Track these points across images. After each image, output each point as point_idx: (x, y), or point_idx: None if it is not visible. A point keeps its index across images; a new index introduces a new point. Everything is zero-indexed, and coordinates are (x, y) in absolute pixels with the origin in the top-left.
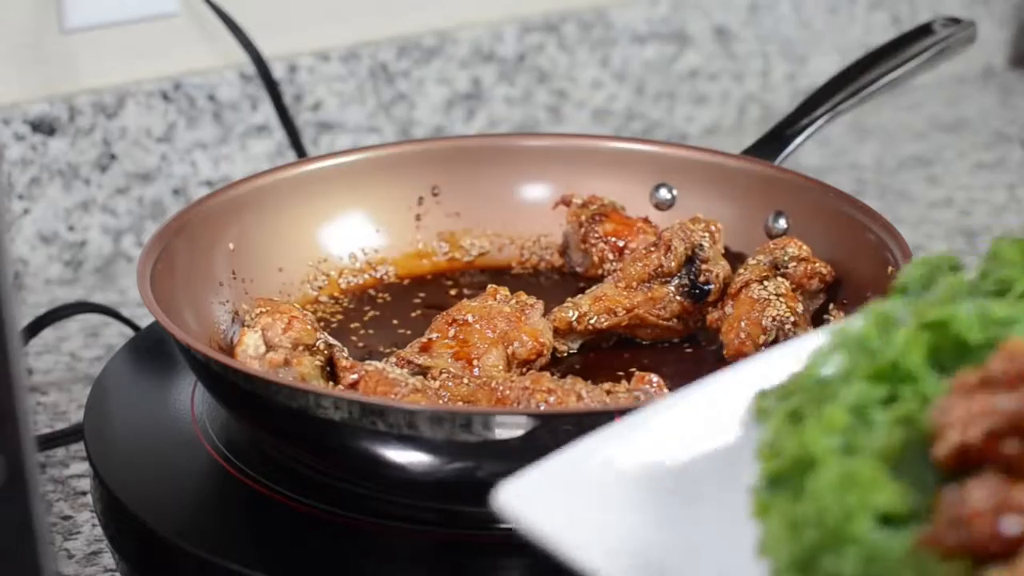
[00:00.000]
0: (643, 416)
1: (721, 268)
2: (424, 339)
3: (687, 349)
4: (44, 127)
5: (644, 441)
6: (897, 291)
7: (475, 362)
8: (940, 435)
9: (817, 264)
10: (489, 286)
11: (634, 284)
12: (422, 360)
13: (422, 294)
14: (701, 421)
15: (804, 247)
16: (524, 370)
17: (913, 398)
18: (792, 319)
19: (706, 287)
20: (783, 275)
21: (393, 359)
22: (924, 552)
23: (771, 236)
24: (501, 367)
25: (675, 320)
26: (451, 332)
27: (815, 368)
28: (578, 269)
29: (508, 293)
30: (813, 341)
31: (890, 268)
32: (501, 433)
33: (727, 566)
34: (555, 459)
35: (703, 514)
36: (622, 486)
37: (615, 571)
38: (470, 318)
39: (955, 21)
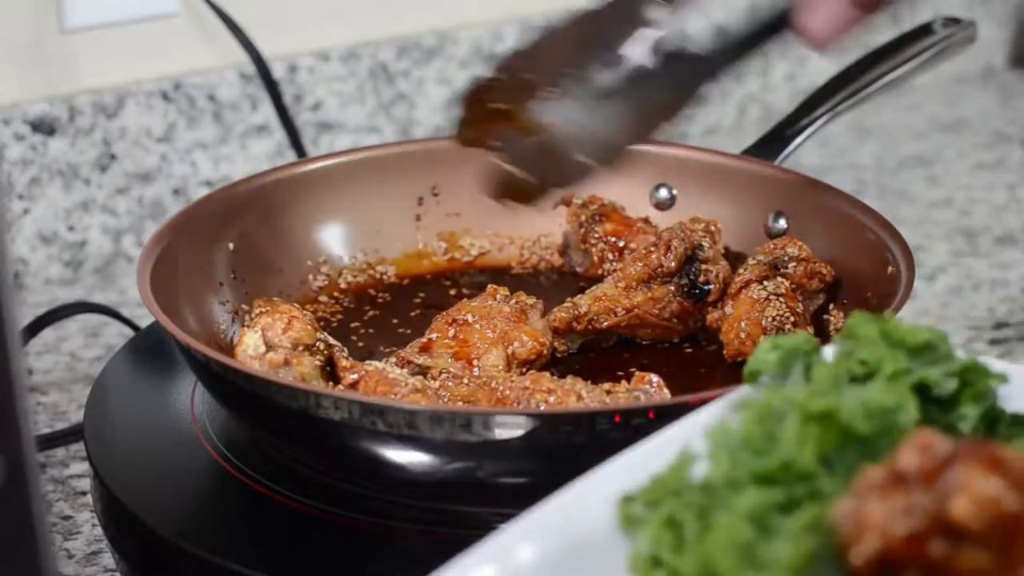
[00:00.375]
0: (509, 535)
1: (721, 268)
2: (424, 339)
3: (687, 349)
4: (44, 127)
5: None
6: (750, 377)
7: (475, 362)
8: (856, 540)
9: (817, 264)
10: (489, 286)
11: (634, 284)
12: (422, 360)
13: (422, 294)
14: (565, 536)
15: (804, 247)
16: (524, 370)
17: (813, 501)
18: (792, 319)
19: (706, 287)
20: (783, 275)
21: (393, 359)
22: None
23: (771, 236)
24: (501, 367)
25: (675, 320)
26: (451, 332)
27: (683, 468)
28: (578, 269)
29: (507, 293)
30: (675, 435)
31: (890, 268)
32: (501, 433)
33: None
34: None
35: None
36: None
37: None
38: (470, 318)
39: (955, 21)
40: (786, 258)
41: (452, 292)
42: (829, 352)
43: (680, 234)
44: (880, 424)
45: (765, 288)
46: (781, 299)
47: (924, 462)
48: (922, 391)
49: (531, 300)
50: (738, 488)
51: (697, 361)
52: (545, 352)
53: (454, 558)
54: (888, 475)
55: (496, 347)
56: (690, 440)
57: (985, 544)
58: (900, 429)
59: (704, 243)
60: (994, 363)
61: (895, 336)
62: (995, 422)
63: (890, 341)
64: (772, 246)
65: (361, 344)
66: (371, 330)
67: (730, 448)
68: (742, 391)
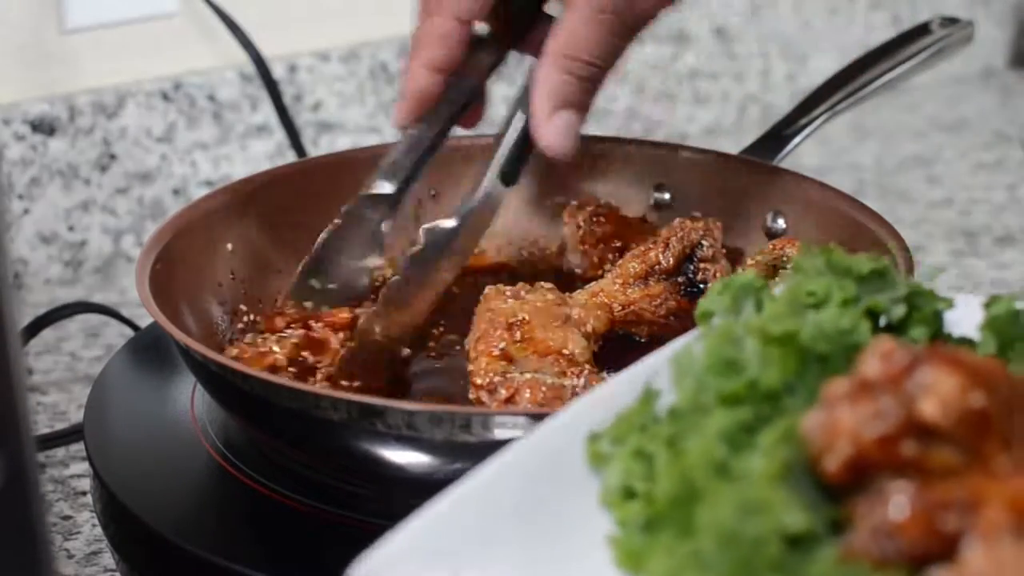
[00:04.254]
0: (485, 476)
1: (719, 267)
2: (495, 351)
3: None
4: (44, 127)
5: (487, 504)
6: (702, 318)
7: (564, 351)
8: (828, 448)
9: None
10: (491, 287)
11: (631, 281)
12: (511, 370)
13: None
14: (538, 475)
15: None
16: (600, 344)
17: (781, 416)
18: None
19: (703, 285)
20: (782, 276)
21: (481, 385)
22: (849, 567)
23: (770, 236)
24: (585, 347)
25: (672, 318)
26: (516, 335)
27: (647, 404)
28: (577, 270)
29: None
30: (636, 374)
31: None
32: (501, 433)
33: None
34: (404, 530)
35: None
36: (474, 552)
37: None
38: (524, 316)
39: (953, 21)
40: (785, 258)
41: (452, 292)
42: (778, 290)
43: (679, 232)
44: (837, 344)
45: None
46: None
47: (888, 367)
48: (871, 319)
49: (548, 286)
50: (705, 412)
51: None
52: (615, 317)
53: (421, 510)
54: (854, 384)
55: (573, 331)
56: (653, 377)
57: (955, 442)
58: (856, 349)
59: (703, 241)
60: (939, 289)
61: (842, 266)
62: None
63: (837, 271)
64: (772, 246)
65: None
66: None
67: (694, 373)
68: (696, 332)
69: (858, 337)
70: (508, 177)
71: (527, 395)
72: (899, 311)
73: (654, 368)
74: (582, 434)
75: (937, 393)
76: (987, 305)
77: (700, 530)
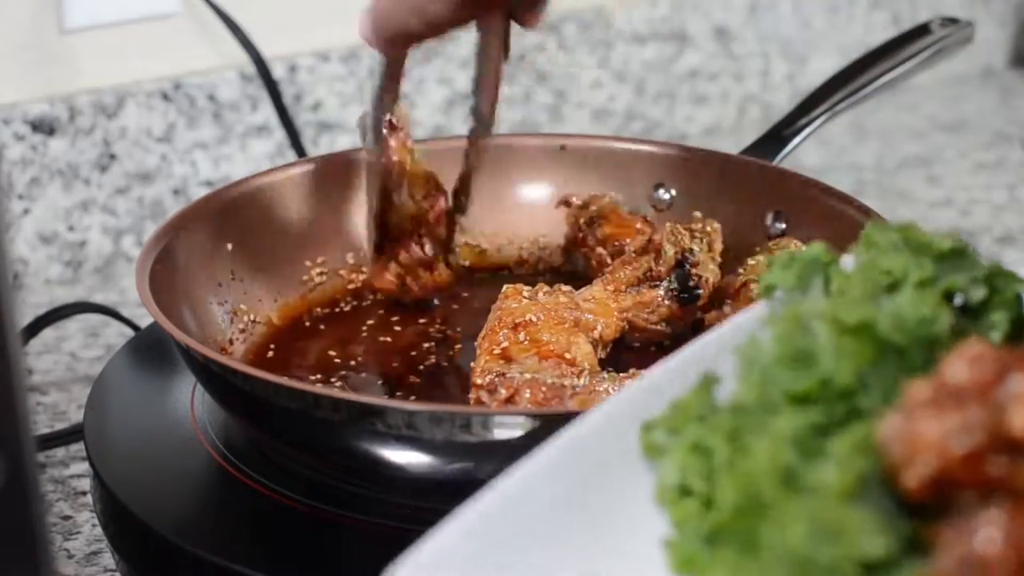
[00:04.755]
0: (527, 471)
1: (711, 273)
2: (496, 349)
3: None
4: (44, 127)
5: (532, 496)
6: (765, 292)
7: (566, 355)
8: (909, 462)
9: None
10: (509, 286)
11: (623, 287)
12: (511, 370)
13: None
14: (583, 471)
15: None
16: (608, 351)
17: (854, 421)
18: None
19: (695, 291)
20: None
21: (478, 380)
22: None
23: (770, 236)
24: (589, 352)
25: (663, 324)
26: (521, 336)
27: (706, 391)
28: (579, 270)
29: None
30: (691, 356)
31: None
32: (501, 433)
33: None
34: (446, 530)
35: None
36: (519, 552)
37: None
38: (533, 318)
39: (953, 21)
40: None
41: (451, 292)
42: (849, 263)
43: (671, 238)
44: (915, 335)
45: None
46: None
47: (976, 374)
48: (947, 300)
49: (566, 288)
50: (771, 409)
51: None
52: (625, 326)
53: (469, 501)
54: (938, 390)
55: (579, 336)
56: (708, 361)
57: None
58: (934, 340)
59: (695, 246)
60: (1021, 269)
61: (918, 242)
62: (1022, 329)
63: (914, 248)
64: (772, 246)
65: (362, 345)
66: (371, 331)
67: (761, 365)
68: (759, 308)
69: (937, 327)
70: None
71: (527, 395)
72: (979, 293)
73: (705, 352)
74: (630, 425)
75: None
76: None
77: (766, 548)
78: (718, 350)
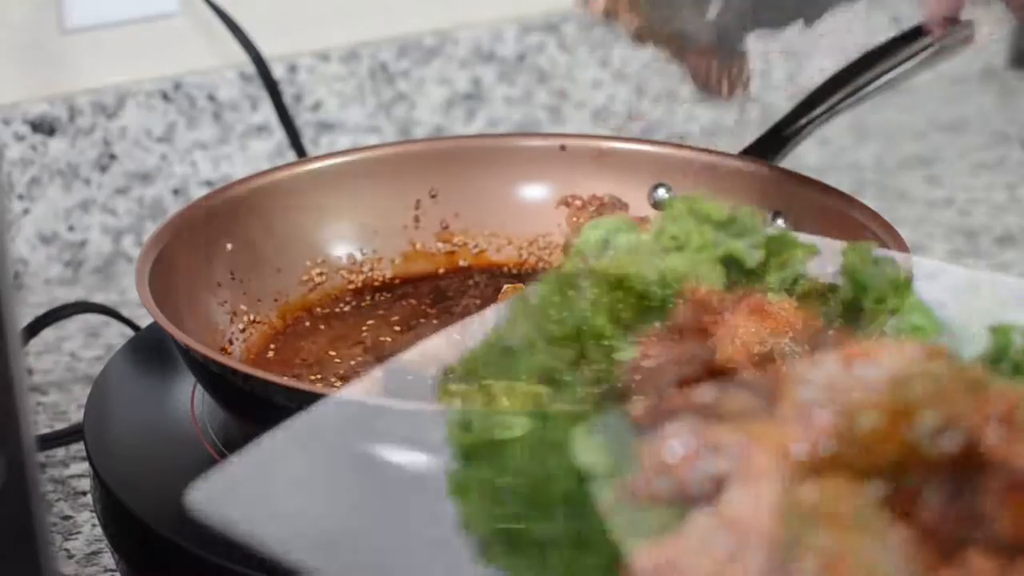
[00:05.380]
0: (344, 396)
1: None
2: None
3: None
4: (44, 127)
5: (342, 422)
6: (575, 255)
7: None
8: (635, 392)
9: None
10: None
11: None
12: None
13: (421, 295)
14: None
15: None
16: None
17: (602, 358)
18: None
19: None
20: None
21: None
22: (628, 501)
23: None
24: None
25: None
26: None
27: (497, 340)
28: None
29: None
30: (491, 315)
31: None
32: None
33: (431, 544)
34: (248, 452)
35: (402, 495)
36: (318, 470)
37: (317, 561)
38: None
39: (952, 21)
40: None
41: (450, 293)
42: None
43: None
44: (675, 291)
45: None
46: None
47: (693, 314)
48: (736, 265)
49: None
50: (536, 351)
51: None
52: None
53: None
54: (667, 331)
55: None
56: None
57: (751, 388)
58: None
59: None
60: (805, 236)
61: (702, 212)
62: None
63: (698, 217)
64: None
65: (361, 345)
66: (371, 331)
67: (529, 315)
68: (563, 267)
69: (710, 283)
70: None
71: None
72: (756, 256)
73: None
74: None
75: (739, 338)
76: (844, 252)
77: (503, 466)
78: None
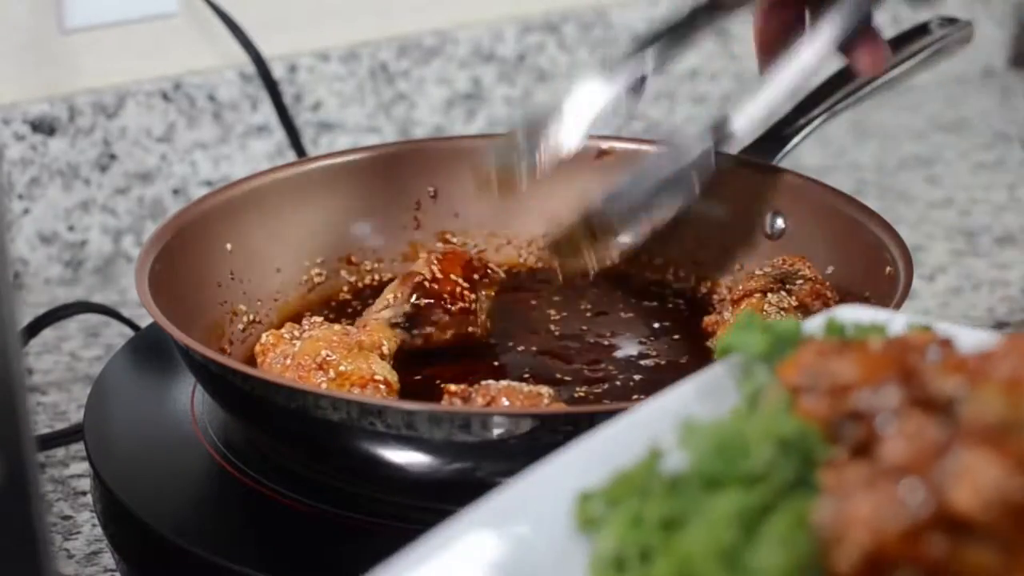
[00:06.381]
0: (462, 526)
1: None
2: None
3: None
4: (44, 127)
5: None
6: (722, 352)
7: (376, 378)
8: (838, 541)
9: (824, 287)
10: (289, 323)
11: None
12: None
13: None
14: (515, 538)
15: (814, 268)
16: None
17: (793, 490)
18: None
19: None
20: (788, 291)
21: (455, 392)
22: None
23: (769, 237)
24: (390, 369)
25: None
26: (331, 373)
27: (651, 464)
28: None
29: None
30: (639, 420)
31: (888, 268)
32: (500, 433)
33: None
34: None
35: None
36: None
37: None
38: (328, 353)
39: (952, 21)
40: (795, 275)
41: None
42: (813, 327)
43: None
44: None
45: (769, 301)
46: (782, 313)
47: (914, 448)
48: None
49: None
50: (713, 487)
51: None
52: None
53: (396, 556)
54: (873, 467)
55: (371, 357)
56: (656, 428)
57: (992, 537)
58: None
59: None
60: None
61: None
62: None
63: None
64: (781, 261)
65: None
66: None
67: (701, 443)
68: (713, 371)
69: None
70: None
71: (505, 403)
72: None
73: (654, 418)
74: (569, 489)
75: (974, 480)
76: None
77: None
78: (664, 415)
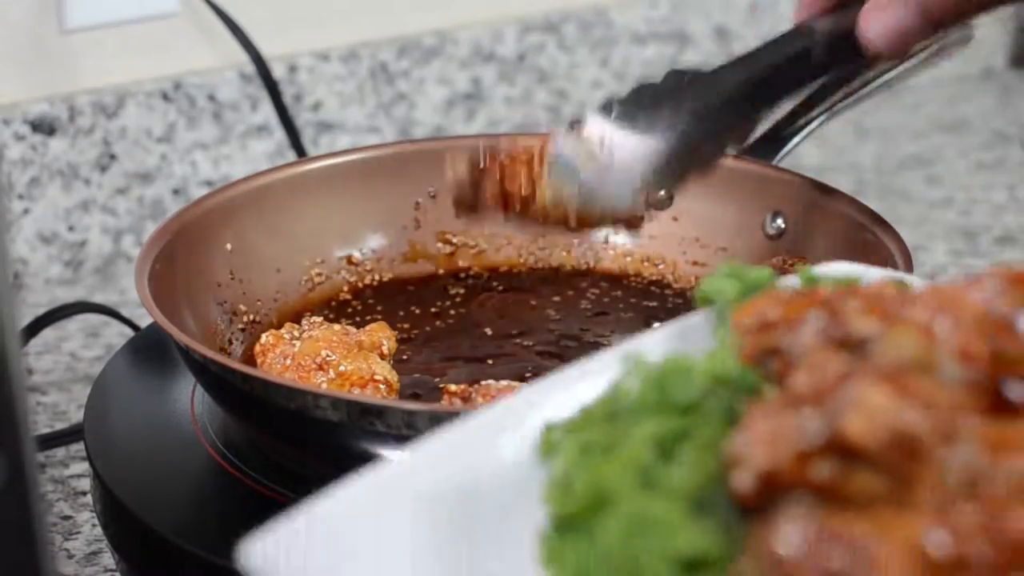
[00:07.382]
0: (427, 443)
1: None
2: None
3: None
4: (44, 127)
5: (422, 470)
6: (702, 301)
7: (376, 377)
8: (738, 463)
9: None
10: (289, 324)
11: None
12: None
13: (420, 295)
14: (485, 451)
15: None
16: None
17: (718, 419)
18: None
19: None
20: None
21: (455, 392)
22: None
23: (769, 237)
24: (390, 368)
25: None
26: (331, 374)
27: (614, 401)
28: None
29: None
30: (608, 365)
31: (888, 268)
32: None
33: None
34: (314, 505)
35: (486, 558)
36: (395, 523)
37: None
38: (329, 353)
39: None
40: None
41: (451, 292)
42: (790, 282)
43: None
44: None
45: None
46: None
47: (816, 380)
48: None
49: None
50: (649, 414)
51: None
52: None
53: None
54: (780, 398)
55: (372, 357)
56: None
57: (879, 467)
58: None
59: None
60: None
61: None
62: None
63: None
64: (781, 261)
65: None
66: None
67: (644, 376)
68: (693, 318)
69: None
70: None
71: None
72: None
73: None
74: (538, 420)
75: (866, 410)
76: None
77: (599, 542)
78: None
